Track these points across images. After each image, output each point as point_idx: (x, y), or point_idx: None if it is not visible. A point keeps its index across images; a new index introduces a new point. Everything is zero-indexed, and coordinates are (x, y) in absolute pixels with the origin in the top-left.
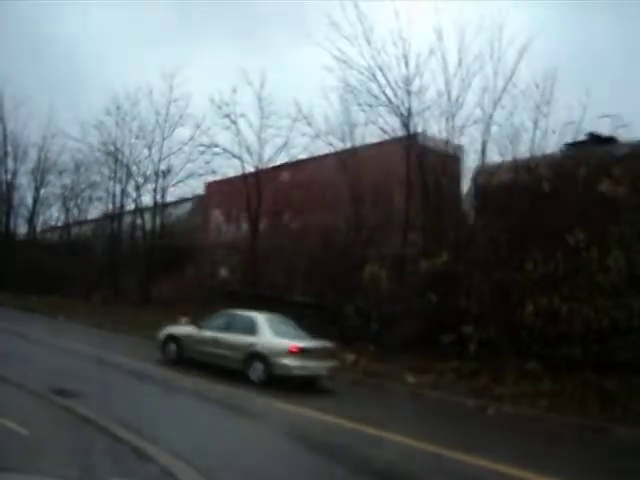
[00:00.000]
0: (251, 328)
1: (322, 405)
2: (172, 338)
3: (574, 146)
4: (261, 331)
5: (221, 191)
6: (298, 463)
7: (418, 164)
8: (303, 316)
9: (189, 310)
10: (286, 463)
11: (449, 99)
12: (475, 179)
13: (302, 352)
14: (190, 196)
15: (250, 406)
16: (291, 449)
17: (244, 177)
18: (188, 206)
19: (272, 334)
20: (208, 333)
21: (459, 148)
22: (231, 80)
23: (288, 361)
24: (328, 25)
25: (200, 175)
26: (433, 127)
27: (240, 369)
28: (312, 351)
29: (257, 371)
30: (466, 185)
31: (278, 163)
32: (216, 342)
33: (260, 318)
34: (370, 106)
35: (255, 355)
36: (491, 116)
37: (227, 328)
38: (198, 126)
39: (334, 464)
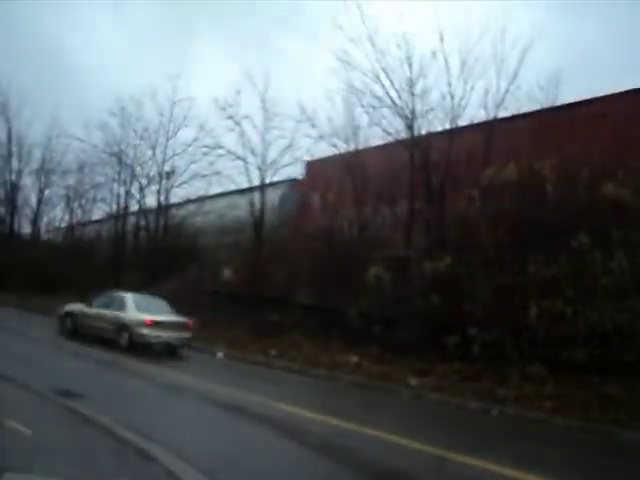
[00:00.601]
0: (122, 305)
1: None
2: (68, 314)
3: None
4: (128, 308)
5: (326, 171)
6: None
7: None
8: (306, 318)
9: (193, 311)
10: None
11: (453, 101)
12: None
13: (156, 324)
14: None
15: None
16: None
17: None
18: (276, 194)
19: (136, 310)
20: (94, 310)
21: None
22: (235, 82)
23: (145, 331)
24: (332, 27)
25: (204, 176)
26: (437, 129)
27: (113, 338)
28: (165, 324)
29: (124, 339)
30: None
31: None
32: (99, 317)
33: (129, 297)
34: (374, 108)
35: (122, 326)
36: (495, 117)
37: (107, 306)
38: (202, 127)
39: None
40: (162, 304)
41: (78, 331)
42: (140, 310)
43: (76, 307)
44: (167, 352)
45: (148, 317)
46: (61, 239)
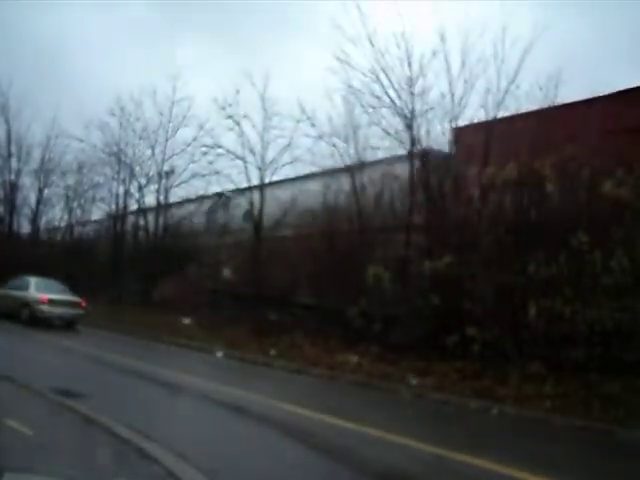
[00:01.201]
0: (26, 287)
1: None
2: None
3: None
4: (30, 289)
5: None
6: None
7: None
8: (306, 317)
9: (192, 311)
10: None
11: (452, 100)
12: None
13: (51, 301)
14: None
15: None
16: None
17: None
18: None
19: (36, 290)
20: (6, 291)
21: None
22: (234, 81)
23: (42, 307)
24: (331, 27)
25: (203, 176)
26: (437, 128)
27: (17, 314)
28: (59, 301)
29: (25, 314)
30: None
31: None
32: (8, 296)
33: (32, 280)
34: (373, 107)
35: (24, 304)
36: (495, 117)
37: (15, 288)
38: (201, 127)
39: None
40: (61, 287)
41: None
42: (39, 290)
43: None
44: (64, 325)
45: (44, 295)
46: (60, 239)
